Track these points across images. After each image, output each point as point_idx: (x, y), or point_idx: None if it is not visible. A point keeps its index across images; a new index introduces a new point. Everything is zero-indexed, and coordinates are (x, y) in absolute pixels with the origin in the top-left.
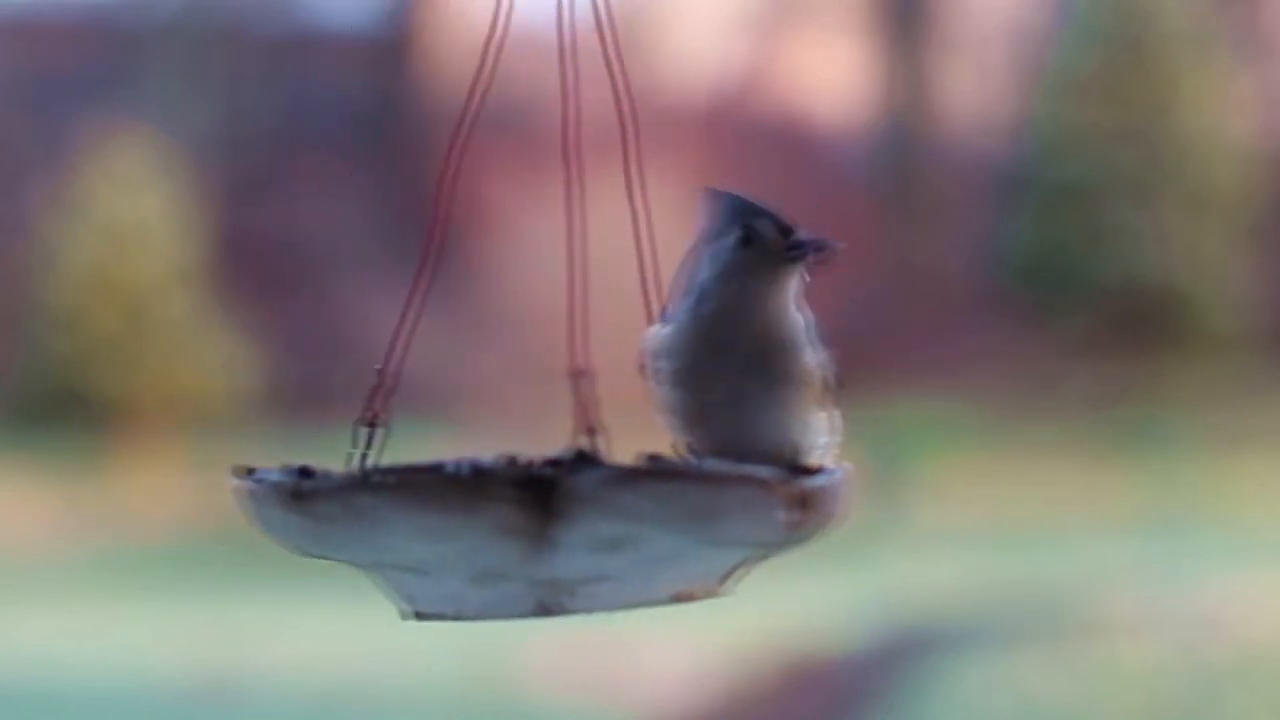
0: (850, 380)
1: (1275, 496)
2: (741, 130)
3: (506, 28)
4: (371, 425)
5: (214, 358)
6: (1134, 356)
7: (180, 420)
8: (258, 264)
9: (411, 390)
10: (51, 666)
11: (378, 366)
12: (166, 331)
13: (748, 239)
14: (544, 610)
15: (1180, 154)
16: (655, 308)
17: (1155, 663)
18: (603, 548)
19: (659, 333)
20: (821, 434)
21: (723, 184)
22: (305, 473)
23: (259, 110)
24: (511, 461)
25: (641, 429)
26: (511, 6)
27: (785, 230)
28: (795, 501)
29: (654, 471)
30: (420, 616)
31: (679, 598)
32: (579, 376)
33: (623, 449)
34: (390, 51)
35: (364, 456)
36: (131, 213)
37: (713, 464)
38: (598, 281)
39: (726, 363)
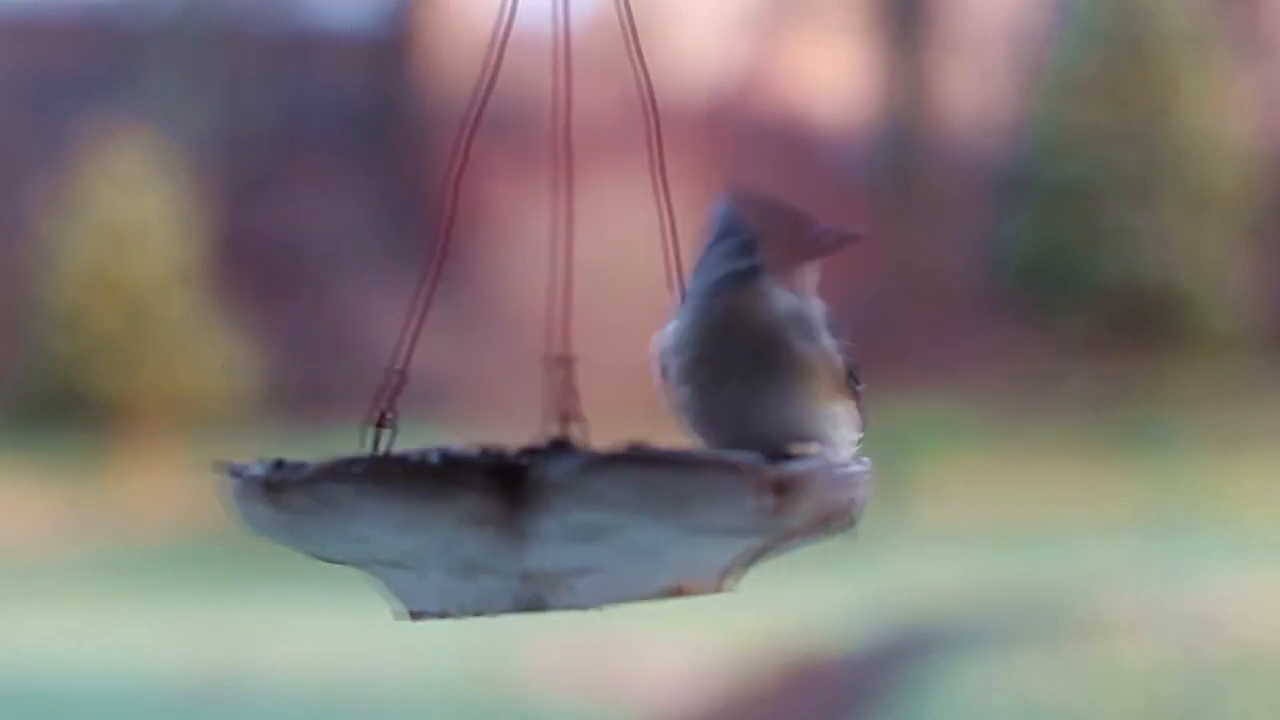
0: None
1: (1275, 496)
2: (741, 130)
3: (510, 24)
4: (380, 425)
5: (214, 358)
6: (1134, 356)
7: (180, 420)
8: (258, 264)
9: (411, 389)
10: (51, 666)
11: (387, 366)
12: (166, 331)
13: (753, 242)
14: (534, 604)
15: (1180, 154)
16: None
17: (1155, 663)
18: (580, 537)
19: (669, 329)
20: (846, 427)
21: (735, 183)
22: (280, 465)
23: (259, 110)
24: (485, 450)
25: (643, 424)
26: (515, 4)
27: (803, 222)
28: (768, 487)
29: (623, 457)
30: (415, 616)
31: (674, 592)
32: (556, 364)
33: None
34: (390, 51)
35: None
36: (131, 213)
37: (687, 450)
38: (596, 278)
39: (735, 356)
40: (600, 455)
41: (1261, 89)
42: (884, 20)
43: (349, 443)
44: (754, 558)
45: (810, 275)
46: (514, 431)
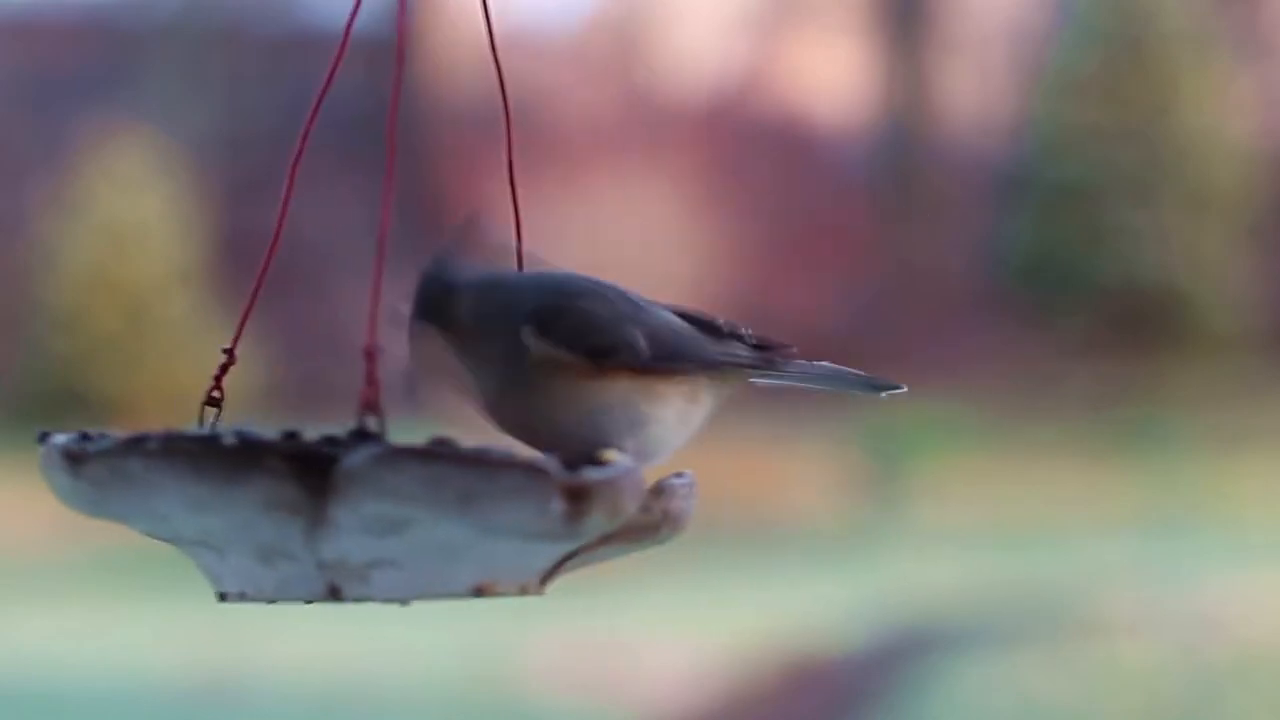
0: None
1: (1275, 496)
2: (741, 130)
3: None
4: (215, 404)
5: (214, 358)
6: (1134, 356)
7: (180, 420)
8: (258, 264)
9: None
10: (51, 666)
11: (225, 347)
12: (166, 331)
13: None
14: (335, 594)
15: (1180, 154)
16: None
17: (1155, 663)
18: (376, 530)
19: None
20: (656, 424)
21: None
22: (84, 436)
23: (259, 110)
24: (290, 435)
25: None
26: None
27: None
28: (559, 493)
29: (422, 452)
30: (221, 597)
31: (476, 592)
32: (369, 354)
33: None
34: (390, 51)
35: None
36: (131, 213)
37: (488, 448)
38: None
39: (493, 356)
40: (395, 448)
41: (1261, 89)
42: (884, 20)
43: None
44: (562, 562)
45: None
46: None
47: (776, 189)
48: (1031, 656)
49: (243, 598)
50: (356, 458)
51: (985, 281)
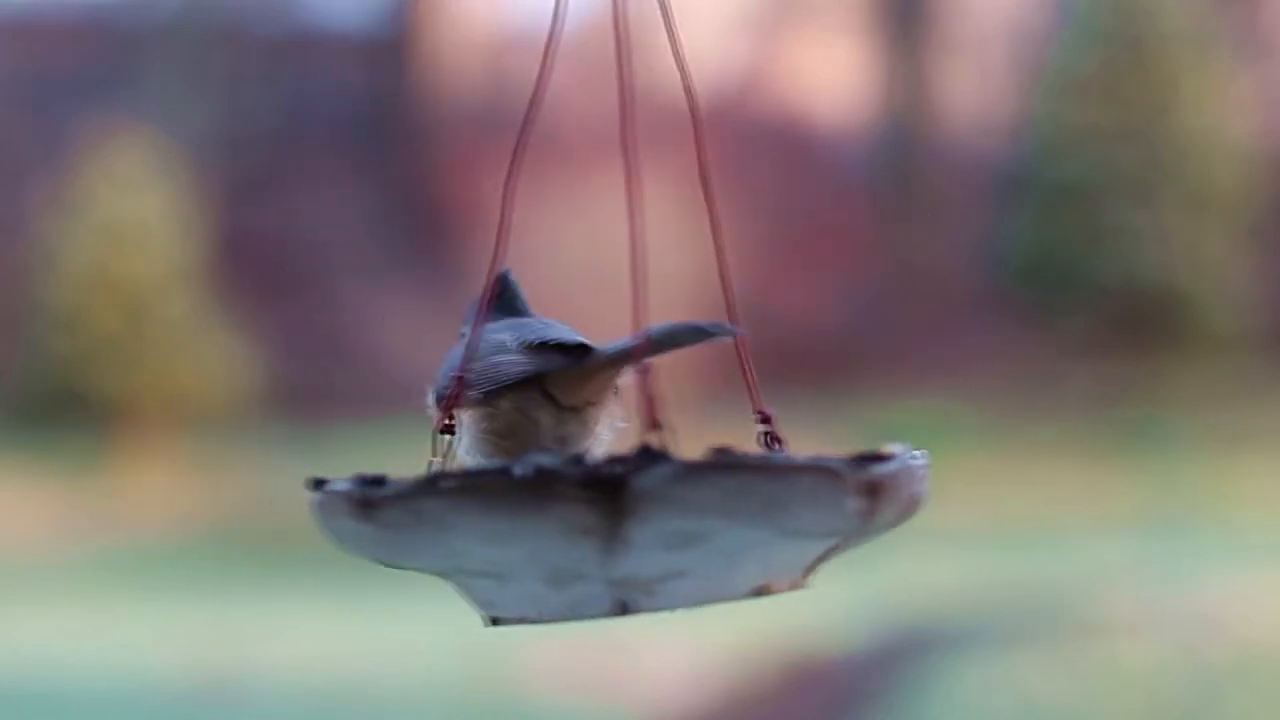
0: (849, 380)
1: (1275, 496)
2: (741, 130)
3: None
4: (448, 432)
5: (214, 358)
6: (1134, 356)
7: (180, 420)
8: (258, 264)
9: (412, 389)
10: (51, 666)
11: (457, 374)
12: (166, 331)
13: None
14: (624, 609)
15: (1180, 154)
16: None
17: (1155, 663)
18: (676, 544)
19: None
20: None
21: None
22: (374, 482)
23: (259, 110)
24: (577, 460)
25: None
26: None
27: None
28: (864, 490)
29: (719, 465)
30: (497, 621)
31: (759, 591)
32: (644, 372)
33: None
34: (390, 51)
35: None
36: (131, 213)
37: (780, 455)
38: (596, 277)
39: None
40: (691, 463)
41: (1261, 89)
42: (884, 20)
43: (350, 442)
44: (834, 553)
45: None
46: None
47: (776, 189)
48: (1031, 656)
49: (523, 620)
50: (652, 477)
51: (985, 281)
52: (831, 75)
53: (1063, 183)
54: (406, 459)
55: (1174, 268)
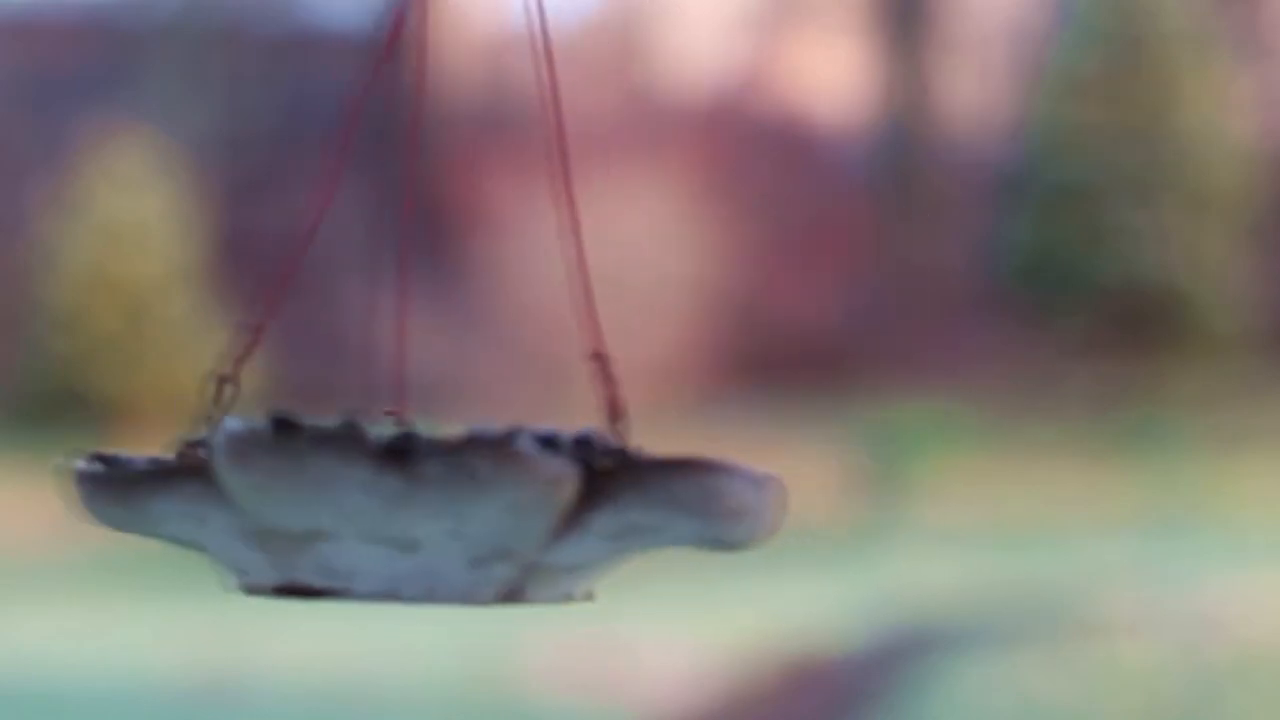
0: (849, 380)
1: (1275, 496)
2: (741, 130)
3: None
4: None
5: (214, 358)
6: (1134, 356)
7: (180, 420)
8: (258, 264)
9: (412, 389)
10: (51, 666)
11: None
12: (166, 331)
13: None
14: (509, 597)
15: (1180, 154)
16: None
17: (1155, 663)
18: (617, 536)
19: None
20: None
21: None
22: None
23: (259, 110)
24: (578, 440)
25: (644, 420)
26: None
27: None
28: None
29: (696, 464)
30: (314, 595)
31: (588, 595)
32: (601, 360)
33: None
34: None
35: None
36: (131, 213)
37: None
38: (597, 277)
39: None
40: (682, 460)
41: (1261, 89)
42: (884, 20)
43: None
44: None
45: None
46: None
47: (776, 189)
48: (1031, 656)
49: (335, 595)
50: (649, 470)
51: (985, 281)
52: (831, 75)
53: (1063, 183)
54: None
55: (1174, 268)
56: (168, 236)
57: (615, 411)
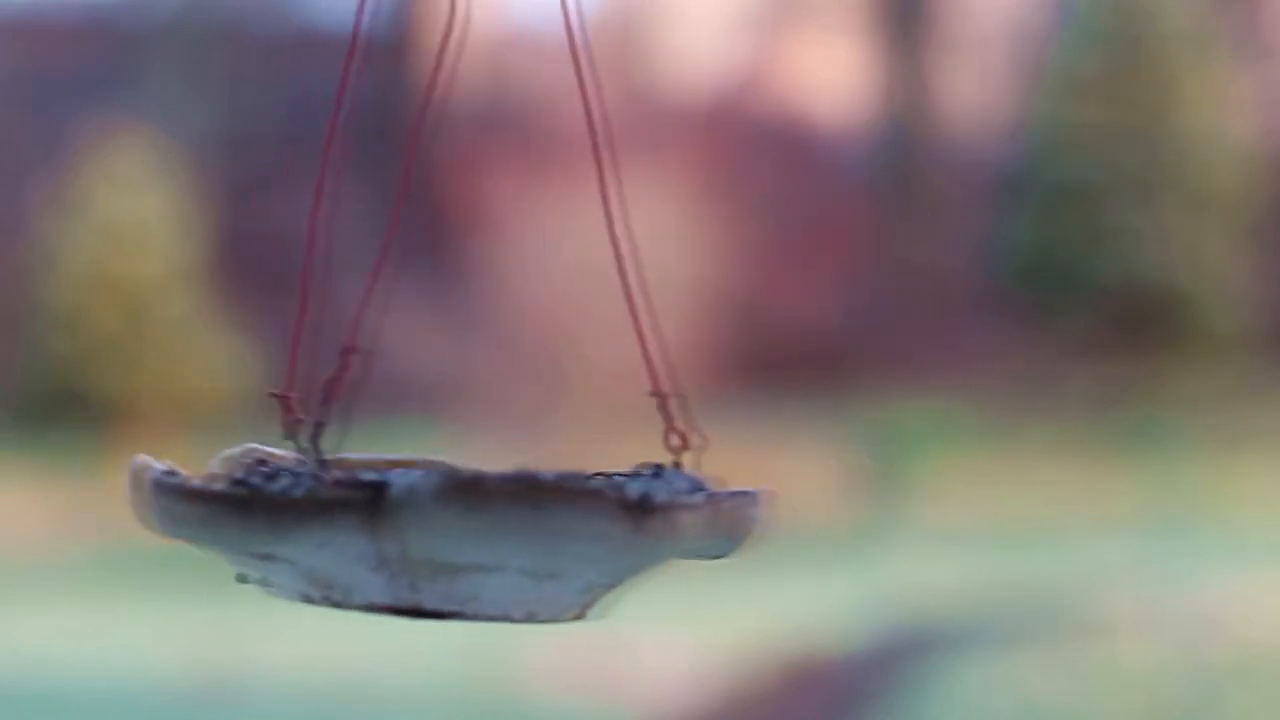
0: (849, 380)
1: (1275, 496)
2: (741, 130)
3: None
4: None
5: (214, 358)
6: (1134, 356)
7: (180, 420)
8: (258, 264)
9: (412, 389)
10: (51, 666)
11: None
12: (166, 331)
13: None
14: (408, 603)
15: (1180, 154)
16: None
17: (1155, 663)
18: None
19: None
20: None
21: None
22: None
23: (259, 110)
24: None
25: (645, 420)
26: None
27: None
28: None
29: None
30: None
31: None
32: (663, 396)
33: (631, 449)
34: (390, 51)
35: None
36: (131, 213)
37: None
38: (597, 277)
39: None
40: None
41: (1261, 89)
42: (884, 20)
43: (350, 442)
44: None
45: None
46: (513, 430)
47: (776, 189)
48: (1031, 656)
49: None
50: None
51: (985, 281)
52: (831, 75)
53: (1063, 183)
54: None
55: (1174, 268)
56: (168, 236)
57: (678, 446)
